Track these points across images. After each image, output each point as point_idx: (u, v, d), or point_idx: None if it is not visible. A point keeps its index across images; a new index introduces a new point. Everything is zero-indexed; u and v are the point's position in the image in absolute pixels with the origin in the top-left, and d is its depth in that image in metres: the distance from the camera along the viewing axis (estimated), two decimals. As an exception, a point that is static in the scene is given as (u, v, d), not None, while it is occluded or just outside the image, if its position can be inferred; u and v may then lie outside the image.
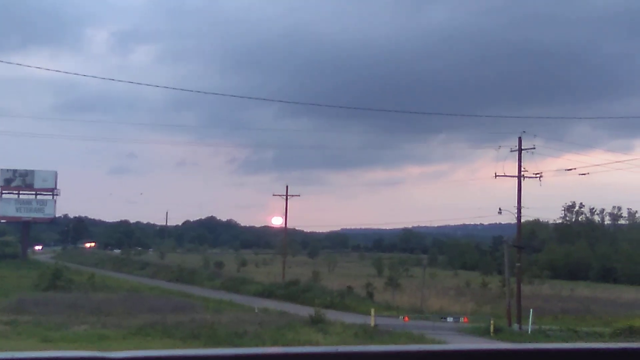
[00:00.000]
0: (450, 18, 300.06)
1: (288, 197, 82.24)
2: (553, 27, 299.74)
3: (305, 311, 47.73)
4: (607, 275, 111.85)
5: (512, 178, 50.91)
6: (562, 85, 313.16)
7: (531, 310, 50.86)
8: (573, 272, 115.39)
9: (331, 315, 47.39)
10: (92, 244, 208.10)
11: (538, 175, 50.55)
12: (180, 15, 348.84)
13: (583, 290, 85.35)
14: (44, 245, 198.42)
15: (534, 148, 50.29)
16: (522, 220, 53.39)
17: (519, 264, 53.96)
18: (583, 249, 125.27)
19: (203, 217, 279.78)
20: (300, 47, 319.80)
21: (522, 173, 50.50)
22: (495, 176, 51.65)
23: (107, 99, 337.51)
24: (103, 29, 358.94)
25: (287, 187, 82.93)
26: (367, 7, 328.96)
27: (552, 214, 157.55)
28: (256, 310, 52.12)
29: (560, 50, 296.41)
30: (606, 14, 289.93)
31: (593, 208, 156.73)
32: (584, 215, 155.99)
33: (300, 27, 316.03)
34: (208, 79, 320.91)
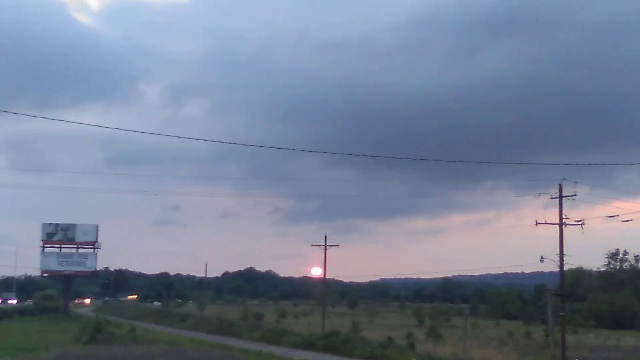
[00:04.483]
0: (501, 67, 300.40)
1: (327, 247, 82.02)
2: (602, 75, 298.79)
3: (346, 363, 47.31)
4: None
5: (554, 226, 50.28)
6: (610, 132, 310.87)
7: (576, 360, 49.80)
8: (618, 321, 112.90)
9: (372, 366, 46.85)
10: (134, 297, 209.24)
11: (580, 223, 49.87)
12: (231, 68, 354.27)
13: (630, 339, 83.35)
14: (86, 297, 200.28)
15: (575, 195, 49.71)
16: (565, 269, 52.51)
17: (562, 313, 53.01)
18: (628, 297, 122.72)
19: (242, 269, 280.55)
20: (347, 98, 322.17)
21: (563, 220, 49.86)
22: (536, 224, 51.05)
23: (154, 152, 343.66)
24: (156, 83, 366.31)
25: (325, 237, 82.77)
26: (417, 58, 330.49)
27: (596, 262, 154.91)
28: (296, 362, 51.71)
29: (609, 96, 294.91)
30: None
31: (637, 255, 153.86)
32: (628, 263, 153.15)
33: (349, 79, 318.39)
34: (254, 130, 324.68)
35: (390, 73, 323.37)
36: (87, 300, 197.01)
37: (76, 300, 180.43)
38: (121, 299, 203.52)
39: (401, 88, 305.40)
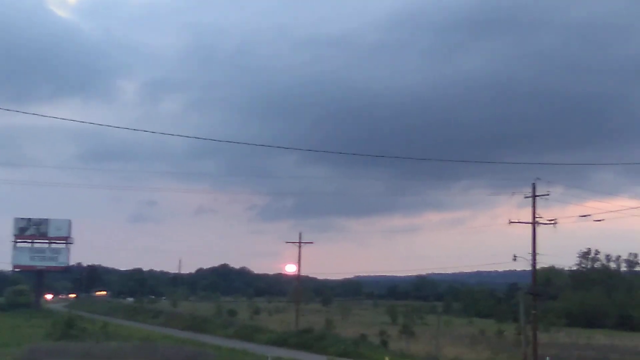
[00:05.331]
0: (479, 67, 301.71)
1: (301, 244, 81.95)
2: (579, 76, 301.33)
3: (319, 360, 47.37)
4: (624, 323, 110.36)
5: (527, 225, 50.60)
6: (587, 132, 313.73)
7: (547, 358, 50.08)
8: (589, 320, 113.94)
9: (345, 364, 46.96)
10: (103, 293, 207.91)
11: (552, 222, 50.20)
12: (210, 64, 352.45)
13: (600, 338, 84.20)
14: (56, 294, 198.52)
15: (548, 194, 49.97)
16: (538, 267, 52.83)
17: (534, 312, 53.37)
18: (599, 296, 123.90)
19: (216, 265, 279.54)
20: (325, 95, 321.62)
21: (536, 219, 50.17)
22: (509, 222, 51.33)
23: (131, 147, 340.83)
24: (134, 78, 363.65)
25: (300, 234, 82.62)
26: (396, 56, 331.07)
27: (568, 261, 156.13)
28: (269, 359, 51.71)
29: (586, 97, 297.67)
30: (635, 63, 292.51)
31: (609, 255, 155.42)
32: (599, 262, 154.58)
33: (328, 76, 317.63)
34: (231, 127, 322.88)
35: (369, 71, 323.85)
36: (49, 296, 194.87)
37: (50, 296, 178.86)
38: (93, 294, 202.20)
39: (379, 86, 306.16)
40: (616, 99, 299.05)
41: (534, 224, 50.05)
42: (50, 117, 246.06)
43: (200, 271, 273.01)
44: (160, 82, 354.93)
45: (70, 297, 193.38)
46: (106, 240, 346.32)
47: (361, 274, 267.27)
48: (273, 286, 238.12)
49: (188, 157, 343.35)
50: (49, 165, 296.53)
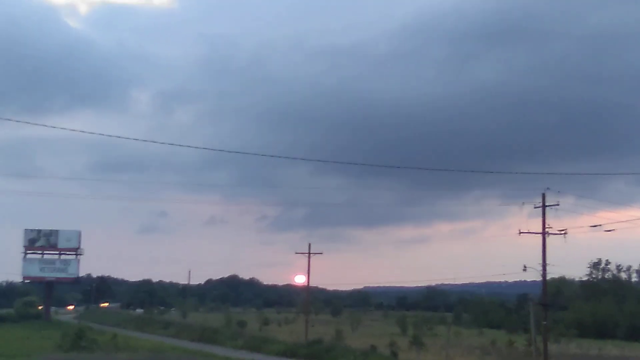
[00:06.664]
0: (492, 77, 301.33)
1: (311, 254, 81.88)
2: (591, 85, 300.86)
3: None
4: (636, 334, 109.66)
5: (537, 235, 50.48)
6: (599, 142, 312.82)
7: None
8: (600, 331, 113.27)
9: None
10: (106, 304, 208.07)
11: (563, 232, 50.08)
12: (224, 74, 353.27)
13: (611, 349, 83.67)
14: (68, 304, 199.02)
15: (558, 204, 49.94)
16: (548, 278, 52.71)
17: (545, 322, 53.17)
18: (610, 307, 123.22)
19: (225, 276, 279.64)
20: (336, 105, 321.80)
21: (546, 230, 50.07)
22: (519, 233, 51.23)
23: (143, 158, 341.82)
24: (146, 89, 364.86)
25: (309, 244, 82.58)
26: (409, 66, 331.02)
27: (578, 272, 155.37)
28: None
29: (599, 106, 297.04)
30: None
31: (619, 265, 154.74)
32: (610, 273, 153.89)
33: (341, 86, 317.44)
34: (243, 137, 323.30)
35: (382, 81, 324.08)
36: (70, 307, 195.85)
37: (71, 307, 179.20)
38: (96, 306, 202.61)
39: (392, 96, 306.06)
40: (628, 108, 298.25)
41: (544, 234, 49.96)
42: (59, 128, 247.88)
43: (209, 282, 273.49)
44: (173, 93, 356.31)
45: (69, 309, 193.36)
46: (116, 251, 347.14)
47: (371, 285, 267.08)
48: (282, 297, 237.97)
49: (200, 168, 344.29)
50: (60, 176, 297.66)
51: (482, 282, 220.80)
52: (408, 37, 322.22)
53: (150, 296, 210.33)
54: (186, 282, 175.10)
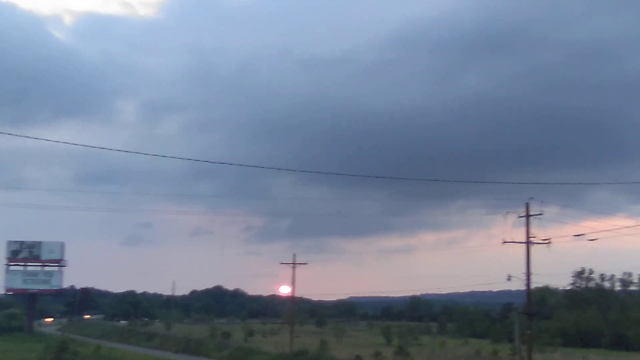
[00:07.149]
0: (477, 86, 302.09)
1: (296, 265, 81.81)
2: (576, 93, 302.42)
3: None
4: (619, 343, 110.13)
5: (521, 244, 50.66)
6: (583, 151, 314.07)
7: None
8: (584, 340, 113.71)
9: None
10: (88, 316, 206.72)
11: (546, 242, 50.29)
12: (210, 85, 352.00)
13: (595, 358, 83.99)
14: (50, 316, 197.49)
15: (542, 214, 50.18)
16: (532, 287, 52.88)
17: (529, 332, 53.31)
18: (594, 316, 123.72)
19: (210, 287, 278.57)
20: (322, 114, 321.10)
21: (530, 239, 50.28)
22: (503, 242, 51.38)
23: (127, 169, 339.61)
24: (132, 100, 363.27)
25: (294, 255, 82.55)
26: (396, 76, 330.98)
27: (562, 281, 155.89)
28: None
29: (583, 116, 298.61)
30: (631, 80, 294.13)
31: (603, 274, 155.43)
32: (594, 282, 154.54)
33: (325, 95, 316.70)
34: (228, 148, 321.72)
35: (367, 90, 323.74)
36: (48, 319, 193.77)
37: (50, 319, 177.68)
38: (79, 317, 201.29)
39: (377, 105, 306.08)
40: (613, 117, 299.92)
41: (528, 243, 50.17)
42: (43, 139, 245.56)
43: (194, 293, 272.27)
44: (158, 104, 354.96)
45: (47, 321, 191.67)
46: (100, 262, 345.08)
47: (356, 295, 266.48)
48: (267, 308, 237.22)
49: (185, 179, 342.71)
50: (44, 187, 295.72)
51: (466, 292, 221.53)
52: (393, 47, 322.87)
53: (134, 308, 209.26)
54: (170, 294, 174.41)
